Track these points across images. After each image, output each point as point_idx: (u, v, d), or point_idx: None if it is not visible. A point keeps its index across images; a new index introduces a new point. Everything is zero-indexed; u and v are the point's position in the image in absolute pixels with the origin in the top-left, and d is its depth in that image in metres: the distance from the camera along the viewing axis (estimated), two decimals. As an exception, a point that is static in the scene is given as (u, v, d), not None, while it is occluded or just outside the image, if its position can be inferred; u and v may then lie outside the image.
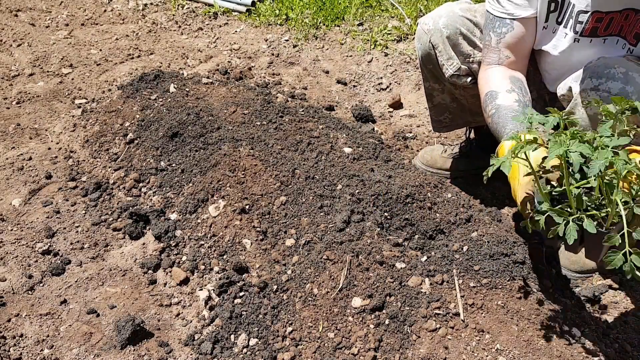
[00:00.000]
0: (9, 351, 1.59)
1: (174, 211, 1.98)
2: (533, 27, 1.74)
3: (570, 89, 1.59)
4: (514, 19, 1.72)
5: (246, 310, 1.61)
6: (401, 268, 1.60)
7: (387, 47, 3.15)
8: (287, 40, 3.32)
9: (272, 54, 3.20)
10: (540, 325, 1.49)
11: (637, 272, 1.09)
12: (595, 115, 1.51)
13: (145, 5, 3.76)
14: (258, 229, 1.79)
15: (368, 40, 3.22)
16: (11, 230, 2.00)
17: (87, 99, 2.76)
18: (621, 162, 1.06)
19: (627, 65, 1.50)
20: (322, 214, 1.79)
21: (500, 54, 1.77)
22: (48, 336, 1.64)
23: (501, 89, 1.70)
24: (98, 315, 1.70)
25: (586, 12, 1.62)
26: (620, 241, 1.10)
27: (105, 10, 3.69)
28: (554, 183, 1.29)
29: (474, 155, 2.38)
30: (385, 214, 1.79)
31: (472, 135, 2.42)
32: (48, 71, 3.00)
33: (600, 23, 1.61)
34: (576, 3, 1.63)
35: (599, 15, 1.60)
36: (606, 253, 1.12)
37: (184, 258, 1.84)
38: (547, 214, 1.20)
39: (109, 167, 2.25)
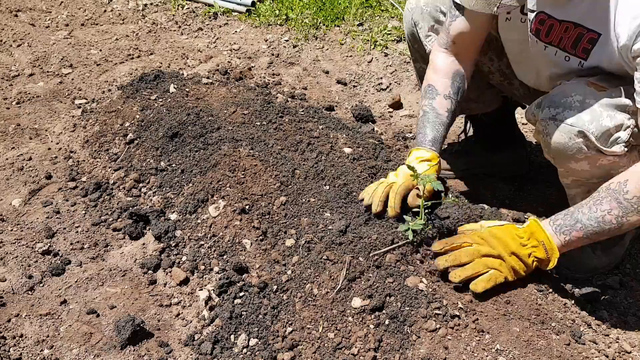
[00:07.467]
0: (8, 351, 1.59)
1: (174, 211, 1.98)
2: (481, 23, 1.79)
3: (534, 115, 1.63)
4: (460, 8, 1.78)
5: (246, 310, 1.61)
6: (401, 268, 1.59)
7: (387, 47, 3.16)
8: (287, 41, 3.32)
9: (272, 54, 3.20)
10: (540, 325, 1.49)
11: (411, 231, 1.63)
12: (555, 144, 1.56)
13: (145, 5, 3.76)
14: (258, 229, 1.79)
15: (368, 40, 3.22)
16: (11, 230, 2.00)
17: (87, 99, 2.76)
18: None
19: (585, 91, 1.52)
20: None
21: (448, 38, 1.85)
22: (48, 336, 1.64)
23: (441, 90, 1.84)
24: (98, 315, 1.70)
25: (533, 10, 1.65)
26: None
27: (105, 11, 3.69)
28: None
29: (474, 153, 2.38)
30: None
31: (470, 132, 2.43)
32: (48, 71, 3.00)
33: (542, 26, 1.64)
34: None
35: (541, 17, 1.63)
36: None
37: (184, 258, 1.84)
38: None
39: (109, 168, 2.25)
